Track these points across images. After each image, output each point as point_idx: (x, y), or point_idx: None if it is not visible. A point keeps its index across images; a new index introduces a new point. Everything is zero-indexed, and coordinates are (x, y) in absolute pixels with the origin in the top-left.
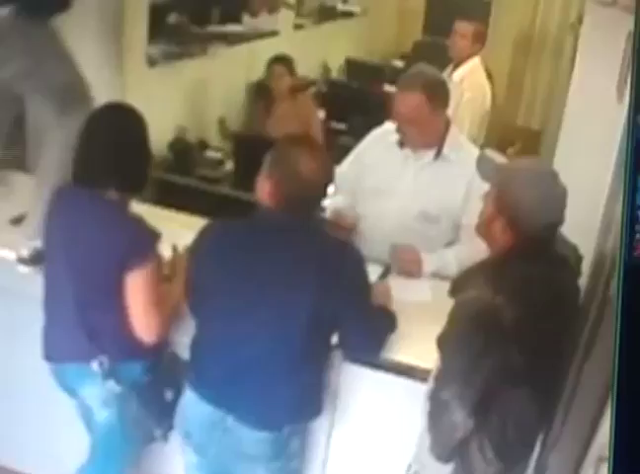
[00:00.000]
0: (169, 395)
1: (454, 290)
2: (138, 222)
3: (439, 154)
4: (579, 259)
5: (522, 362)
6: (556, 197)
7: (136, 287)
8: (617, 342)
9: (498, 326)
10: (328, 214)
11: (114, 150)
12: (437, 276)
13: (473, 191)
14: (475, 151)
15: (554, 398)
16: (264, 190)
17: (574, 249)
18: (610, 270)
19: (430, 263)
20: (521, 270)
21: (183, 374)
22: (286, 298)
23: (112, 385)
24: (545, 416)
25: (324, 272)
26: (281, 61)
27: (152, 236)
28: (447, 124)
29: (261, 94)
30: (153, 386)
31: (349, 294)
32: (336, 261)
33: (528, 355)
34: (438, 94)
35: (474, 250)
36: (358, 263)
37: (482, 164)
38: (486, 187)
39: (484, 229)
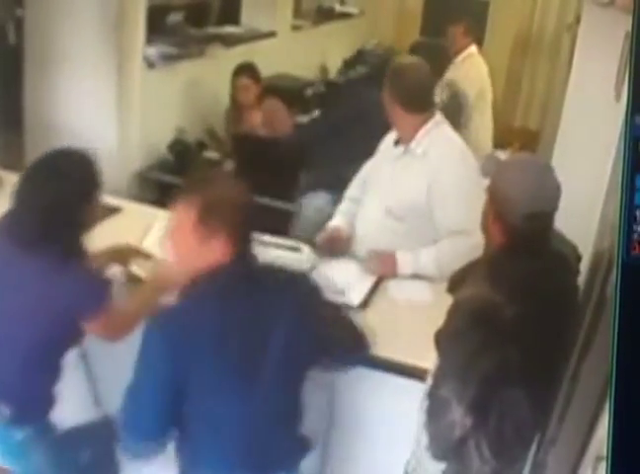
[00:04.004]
0: (84, 456)
1: (452, 287)
2: (85, 273)
3: (407, 148)
4: (578, 258)
5: (521, 360)
6: (544, 186)
7: (95, 328)
8: (615, 340)
9: (497, 323)
10: (323, 234)
11: (49, 206)
12: (417, 277)
13: (437, 188)
14: (453, 149)
15: (552, 397)
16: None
17: (573, 248)
18: (608, 269)
19: (405, 265)
20: (520, 266)
21: (110, 442)
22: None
23: (15, 433)
24: (543, 414)
25: (290, 318)
26: (245, 72)
27: (103, 286)
28: (424, 119)
29: (232, 105)
30: (64, 442)
31: (315, 325)
32: (295, 300)
33: (527, 353)
34: (389, 80)
35: (453, 251)
36: (313, 291)
37: (487, 164)
38: (450, 187)
39: (482, 224)
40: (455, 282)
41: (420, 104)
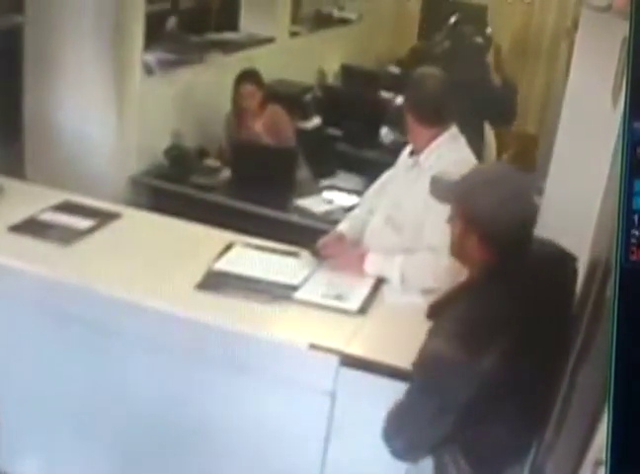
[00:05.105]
0: None
1: (432, 314)
2: None
3: (417, 160)
4: (574, 270)
5: (517, 381)
6: (520, 194)
7: None
8: (613, 345)
9: (472, 376)
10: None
11: None
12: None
13: (431, 204)
14: (457, 167)
15: (549, 408)
16: None
17: (572, 258)
18: (605, 272)
19: (372, 265)
20: (506, 291)
21: None
22: None
23: None
24: (539, 426)
25: None
26: (248, 78)
27: None
28: (437, 132)
29: (234, 111)
30: None
31: None
32: None
33: (522, 374)
34: (408, 89)
35: (421, 265)
36: None
37: (435, 187)
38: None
39: (457, 249)
40: (435, 310)
41: (432, 117)
